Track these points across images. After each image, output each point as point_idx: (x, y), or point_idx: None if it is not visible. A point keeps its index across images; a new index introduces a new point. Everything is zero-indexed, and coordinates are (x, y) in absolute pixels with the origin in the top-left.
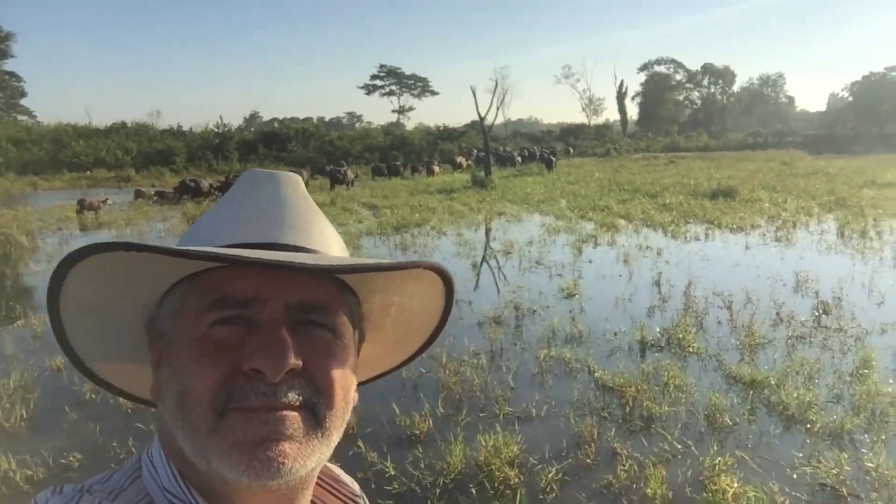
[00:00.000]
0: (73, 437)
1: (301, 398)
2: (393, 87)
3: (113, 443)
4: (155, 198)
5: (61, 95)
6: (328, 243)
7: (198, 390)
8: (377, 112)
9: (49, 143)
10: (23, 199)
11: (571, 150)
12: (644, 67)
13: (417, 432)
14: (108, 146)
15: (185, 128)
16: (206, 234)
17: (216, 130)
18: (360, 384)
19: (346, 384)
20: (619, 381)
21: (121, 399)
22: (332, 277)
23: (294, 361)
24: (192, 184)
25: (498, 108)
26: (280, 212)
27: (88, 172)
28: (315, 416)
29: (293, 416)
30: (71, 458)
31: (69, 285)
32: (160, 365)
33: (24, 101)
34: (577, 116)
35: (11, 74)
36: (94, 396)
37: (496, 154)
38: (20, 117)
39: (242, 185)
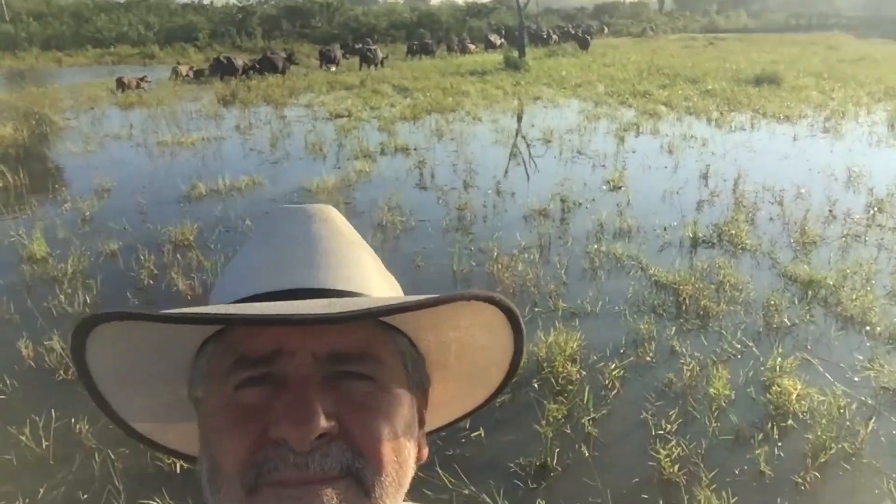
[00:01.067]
0: None
1: (340, 465)
2: None
3: None
4: (190, 76)
5: None
6: (368, 280)
7: (227, 464)
8: None
9: (70, 16)
10: (50, 76)
11: (606, 28)
12: None
13: None
14: (129, 20)
15: (206, 1)
16: (231, 285)
17: (238, 4)
18: (434, 431)
19: (397, 442)
20: (673, 278)
21: (181, 285)
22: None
23: (324, 424)
24: (226, 61)
25: None
26: (310, 252)
27: (112, 48)
28: (361, 485)
29: (331, 489)
30: None
31: (93, 356)
32: (199, 432)
33: None
34: None
35: None
36: (151, 282)
37: (529, 33)
38: None
39: (270, 223)
